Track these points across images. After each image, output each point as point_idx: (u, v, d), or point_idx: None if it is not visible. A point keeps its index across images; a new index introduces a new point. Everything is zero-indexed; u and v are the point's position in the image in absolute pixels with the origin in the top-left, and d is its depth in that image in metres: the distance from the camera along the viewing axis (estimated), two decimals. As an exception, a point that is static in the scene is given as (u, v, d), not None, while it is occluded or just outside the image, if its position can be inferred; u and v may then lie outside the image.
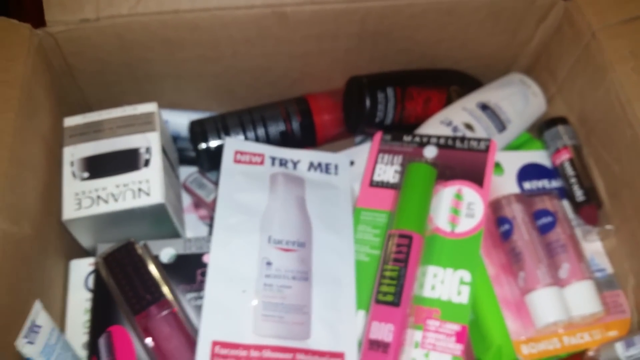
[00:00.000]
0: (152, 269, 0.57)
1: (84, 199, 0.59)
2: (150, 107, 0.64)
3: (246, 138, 0.71)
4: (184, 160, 0.76)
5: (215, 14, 0.64)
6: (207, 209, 0.72)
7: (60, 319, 0.61)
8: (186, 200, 0.74)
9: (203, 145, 0.71)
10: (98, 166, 0.61)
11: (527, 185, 0.68)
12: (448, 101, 0.73)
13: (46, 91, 0.63)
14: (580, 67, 0.68)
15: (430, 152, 0.65)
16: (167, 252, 0.60)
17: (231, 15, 0.64)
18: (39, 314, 0.54)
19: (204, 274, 0.58)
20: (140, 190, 0.59)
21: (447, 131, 0.68)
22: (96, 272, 0.59)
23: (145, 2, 0.62)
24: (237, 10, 0.64)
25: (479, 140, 0.64)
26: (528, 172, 0.69)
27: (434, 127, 0.70)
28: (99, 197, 0.59)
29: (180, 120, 0.75)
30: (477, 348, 0.59)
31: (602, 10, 0.65)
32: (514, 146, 0.74)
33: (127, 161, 0.61)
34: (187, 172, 0.75)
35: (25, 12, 0.66)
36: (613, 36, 0.64)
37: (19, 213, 0.54)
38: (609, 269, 0.64)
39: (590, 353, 0.58)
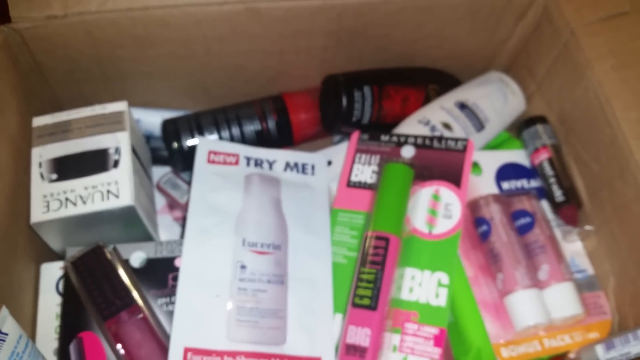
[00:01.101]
0: (122, 273, 0.56)
1: (52, 201, 0.58)
2: (120, 106, 0.63)
3: (220, 137, 0.70)
4: (158, 160, 0.75)
5: (186, 10, 0.62)
6: (182, 210, 0.71)
7: (31, 324, 0.60)
8: (160, 201, 0.72)
9: (176, 145, 0.69)
10: (67, 167, 0.59)
11: (506, 185, 0.67)
12: (426, 100, 0.73)
13: (13, 90, 0.62)
14: (560, 65, 0.67)
15: (407, 152, 0.64)
16: (137, 256, 0.59)
17: (203, 12, 0.63)
18: (5, 321, 0.53)
19: (175, 279, 0.57)
20: (109, 192, 0.58)
21: (425, 131, 0.68)
22: (65, 276, 0.58)
23: (114, -2, 0.61)
24: (209, 7, 0.63)
25: (456, 140, 0.64)
26: (507, 172, 0.68)
27: (411, 126, 0.69)
28: (67, 199, 0.58)
29: (153, 119, 0.74)
30: (457, 351, 0.58)
31: (581, 8, 0.65)
32: (493, 145, 0.73)
33: (96, 162, 0.60)
34: (160, 172, 0.73)
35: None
36: (592, 34, 0.63)
37: (-17, 217, 0.53)
38: (589, 269, 0.64)
39: (571, 355, 0.58)
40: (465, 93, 0.72)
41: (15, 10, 0.60)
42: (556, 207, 0.66)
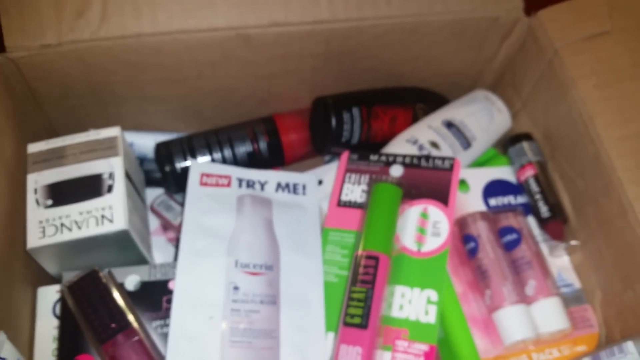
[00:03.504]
0: (117, 297, 0.56)
1: (48, 227, 0.58)
2: (113, 131, 0.64)
3: (213, 159, 0.71)
4: (152, 182, 0.75)
5: (178, 37, 0.63)
6: (175, 232, 0.71)
7: (28, 348, 0.60)
8: (154, 222, 0.73)
9: (169, 168, 0.70)
10: (62, 193, 0.60)
11: (493, 201, 0.68)
12: (414, 119, 0.74)
13: (8, 117, 0.63)
14: (544, 83, 0.68)
15: (396, 171, 0.65)
16: (132, 280, 0.59)
17: (194, 38, 0.64)
18: (3, 346, 0.53)
19: (169, 301, 0.58)
20: (103, 217, 0.59)
21: (413, 150, 0.69)
22: (62, 300, 0.58)
23: (107, 26, 0.62)
24: (200, 34, 0.64)
25: (443, 159, 0.65)
26: (493, 188, 0.69)
27: (400, 145, 0.70)
28: (62, 224, 0.58)
29: (146, 142, 0.75)
30: (447, 367, 0.59)
31: (564, 27, 0.66)
32: (480, 162, 0.74)
33: (90, 187, 0.60)
34: (154, 194, 0.74)
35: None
36: (575, 53, 0.64)
37: (-20, 244, 0.54)
38: (576, 284, 0.65)
39: (558, 369, 0.59)
40: (452, 112, 0.73)
41: (10, 40, 0.61)
42: (542, 222, 0.67)
